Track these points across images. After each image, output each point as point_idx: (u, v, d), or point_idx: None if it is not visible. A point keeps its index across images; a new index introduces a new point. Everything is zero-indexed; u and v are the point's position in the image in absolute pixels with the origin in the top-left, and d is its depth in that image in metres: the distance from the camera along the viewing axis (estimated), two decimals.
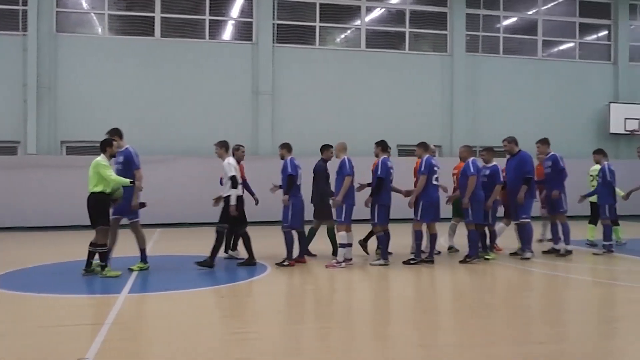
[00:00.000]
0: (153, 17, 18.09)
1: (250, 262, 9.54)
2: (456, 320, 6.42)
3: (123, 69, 17.68)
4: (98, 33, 18.13)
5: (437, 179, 9.66)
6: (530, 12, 21.46)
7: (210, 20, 18.55)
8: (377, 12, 20.20)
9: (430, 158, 9.74)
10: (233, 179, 9.20)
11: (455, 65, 20.06)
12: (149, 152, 16.62)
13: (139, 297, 7.38)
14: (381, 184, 9.51)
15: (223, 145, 9.60)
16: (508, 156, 10.64)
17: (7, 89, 16.87)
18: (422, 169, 9.54)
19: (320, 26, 19.36)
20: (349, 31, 20.13)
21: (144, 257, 9.14)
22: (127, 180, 8.54)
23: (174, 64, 18.01)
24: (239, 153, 10.46)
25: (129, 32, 18.05)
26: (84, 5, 18.33)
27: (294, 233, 9.70)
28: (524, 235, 10.29)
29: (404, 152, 19.40)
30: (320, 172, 10.30)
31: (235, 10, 19.12)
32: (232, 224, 9.53)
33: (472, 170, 9.77)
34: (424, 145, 9.91)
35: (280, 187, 10.11)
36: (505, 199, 10.63)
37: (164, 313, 6.59)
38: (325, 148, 10.44)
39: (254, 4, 18.71)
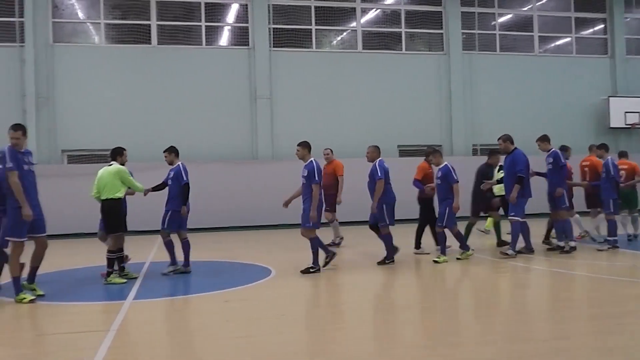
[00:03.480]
0: (149, 25, 18.13)
1: None
2: (456, 319, 6.43)
3: (120, 77, 17.73)
4: (94, 42, 18.18)
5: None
6: (525, 9, 21.51)
7: (206, 26, 18.60)
8: (372, 14, 20.24)
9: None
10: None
11: (452, 64, 20.09)
12: (147, 158, 16.65)
13: (143, 303, 7.40)
14: (187, 190, 9.25)
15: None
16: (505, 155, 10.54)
17: (7, 100, 16.91)
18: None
19: (316, 29, 19.40)
20: (344, 33, 20.16)
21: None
22: (142, 187, 9.04)
23: (171, 71, 18.05)
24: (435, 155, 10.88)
25: (125, 41, 18.09)
26: (80, 15, 18.36)
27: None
28: (512, 233, 10.17)
29: (405, 152, 19.47)
30: (483, 174, 11.12)
31: (230, 16, 19.15)
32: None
33: (379, 174, 9.55)
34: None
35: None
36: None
37: (168, 318, 6.60)
38: (492, 153, 11.19)
39: (249, 9, 18.75)
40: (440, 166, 10.13)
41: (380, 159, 9.81)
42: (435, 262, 9.76)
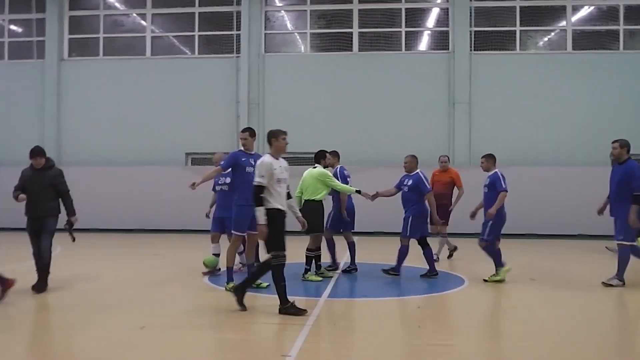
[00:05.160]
0: (351, 33, 18.76)
1: None
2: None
3: (323, 84, 18.57)
4: (301, 51, 19.33)
5: None
6: None
7: (405, 31, 18.73)
8: (584, 11, 18.71)
9: (343, 168, 9.50)
10: None
11: None
12: (347, 162, 17.18)
13: (337, 302, 7.62)
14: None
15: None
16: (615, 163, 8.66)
17: (224, 106, 18.71)
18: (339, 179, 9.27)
19: (520, 30, 18.47)
20: (552, 33, 18.92)
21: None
22: (353, 189, 9.12)
23: (370, 77, 18.44)
24: None
25: (328, 48, 18.94)
26: (288, 26, 19.68)
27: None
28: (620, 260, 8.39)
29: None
30: None
31: (431, 20, 19.06)
32: None
33: (428, 187, 9.36)
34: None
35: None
36: None
37: (360, 318, 6.72)
38: None
39: (450, 13, 18.47)
40: (490, 173, 8.97)
41: (420, 170, 9.44)
42: (485, 281, 8.81)
